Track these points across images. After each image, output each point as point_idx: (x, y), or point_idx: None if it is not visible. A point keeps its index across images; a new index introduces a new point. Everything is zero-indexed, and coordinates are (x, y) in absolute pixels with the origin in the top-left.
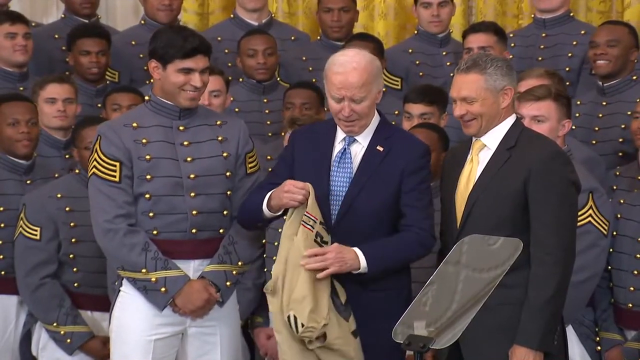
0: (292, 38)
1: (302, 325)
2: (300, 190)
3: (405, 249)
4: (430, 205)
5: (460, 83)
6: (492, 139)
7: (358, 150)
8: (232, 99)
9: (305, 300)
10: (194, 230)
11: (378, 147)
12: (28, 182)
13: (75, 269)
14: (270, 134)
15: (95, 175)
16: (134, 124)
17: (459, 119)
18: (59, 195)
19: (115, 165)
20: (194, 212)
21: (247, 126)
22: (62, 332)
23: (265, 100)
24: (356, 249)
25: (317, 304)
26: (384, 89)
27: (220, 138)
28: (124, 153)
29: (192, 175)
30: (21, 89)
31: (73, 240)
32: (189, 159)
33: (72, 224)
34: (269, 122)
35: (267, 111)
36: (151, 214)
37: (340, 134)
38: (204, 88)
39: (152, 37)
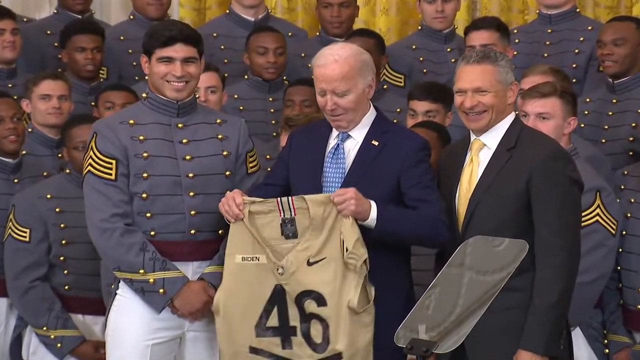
0: (290, 34)
1: (347, 250)
2: (232, 204)
3: (420, 223)
4: (441, 199)
5: (473, 74)
6: (492, 138)
7: (352, 146)
8: (235, 96)
9: (354, 227)
10: (192, 231)
11: (373, 142)
12: (16, 181)
13: (66, 272)
14: (274, 134)
15: (91, 173)
16: (131, 121)
17: (468, 111)
18: (49, 196)
19: (111, 163)
20: (193, 213)
21: (251, 125)
22: (52, 337)
23: (270, 99)
24: (372, 202)
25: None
26: (384, 86)
27: (220, 136)
28: (120, 150)
29: (190, 174)
30: (10, 86)
31: (63, 242)
32: (187, 157)
33: (62, 225)
34: (273, 122)
35: (272, 110)
36: (148, 214)
37: (335, 131)
38: (193, 80)
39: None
